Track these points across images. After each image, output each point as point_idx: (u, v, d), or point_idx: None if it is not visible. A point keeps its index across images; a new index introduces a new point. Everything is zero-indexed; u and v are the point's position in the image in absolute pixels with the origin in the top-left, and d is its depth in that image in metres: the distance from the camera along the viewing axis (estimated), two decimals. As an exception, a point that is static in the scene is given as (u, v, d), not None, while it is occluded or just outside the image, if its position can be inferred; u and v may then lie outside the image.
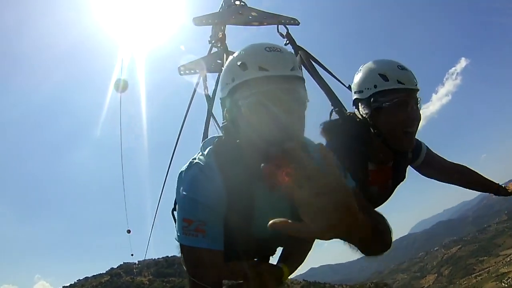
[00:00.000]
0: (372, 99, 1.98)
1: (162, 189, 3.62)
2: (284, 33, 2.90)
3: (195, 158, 1.50)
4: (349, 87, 2.31)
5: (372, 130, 2.03)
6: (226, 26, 2.99)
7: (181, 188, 1.44)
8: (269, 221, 1.38)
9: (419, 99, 1.97)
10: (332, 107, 2.37)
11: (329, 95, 2.45)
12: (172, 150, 3.39)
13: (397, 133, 1.96)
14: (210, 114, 2.74)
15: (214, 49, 3.08)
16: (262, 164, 0.94)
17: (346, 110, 2.31)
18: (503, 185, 2.62)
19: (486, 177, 2.64)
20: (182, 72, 2.97)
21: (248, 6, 3.03)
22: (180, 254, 1.49)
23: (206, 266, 1.39)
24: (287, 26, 2.93)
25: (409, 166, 2.38)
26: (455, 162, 2.62)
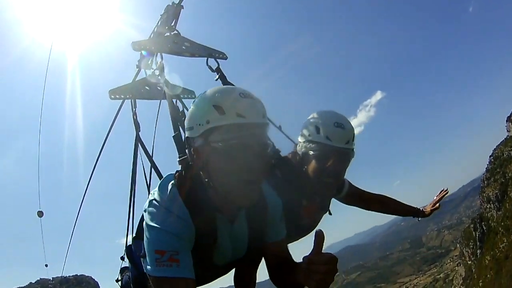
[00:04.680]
0: (304, 145, 2.22)
1: (80, 206, 3.51)
2: (214, 67, 2.85)
3: (159, 196, 1.53)
4: (280, 128, 2.54)
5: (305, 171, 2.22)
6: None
7: (150, 222, 1.46)
8: (228, 251, 1.66)
9: (349, 155, 2.20)
10: None
11: None
12: (92, 169, 3.32)
13: (315, 179, 2.19)
14: (138, 139, 2.78)
15: (141, 74, 3.04)
16: None
17: (280, 151, 2.40)
18: (421, 208, 2.98)
19: (404, 203, 2.98)
20: (112, 97, 2.88)
21: (182, 35, 2.99)
22: (152, 286, 1.48)
23: None
24: (217, 60, 2.89)
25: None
26: (374, 193, 2.94)
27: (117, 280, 2.67)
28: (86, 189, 3.31)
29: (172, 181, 1.57)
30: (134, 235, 1.92)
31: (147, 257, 1.46)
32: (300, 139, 2.29)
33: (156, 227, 1.44)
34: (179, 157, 1.63)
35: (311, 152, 2.17)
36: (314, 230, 1.37)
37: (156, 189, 1.58)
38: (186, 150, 1.59)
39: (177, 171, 1.64)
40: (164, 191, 1.53)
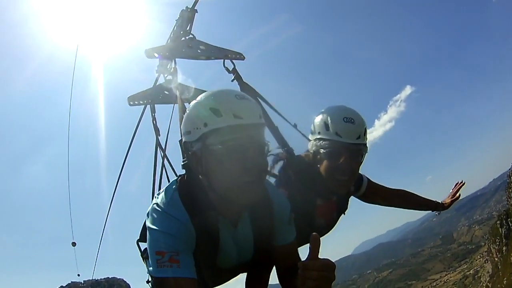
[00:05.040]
0: (315, 142, 2.15)
1: (108, 211, 3.58)
2: (231, 68, 2.85)
3: (160, 200, 1.56)
4: (295, 126, 2.49)
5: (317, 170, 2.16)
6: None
7: (151, 225, 1.51)
8: (233, 254, 1.65)
9: (361, 151, 2.11)
10: (280, 147, 2.40)
11: (275, 134, 2.44)
12: (119, 173, 3.38)
13: (328, 177, 2.11)
14: (158, 144, 2.81)
15: (161, 80, 3.07)
16: None
17: (293, 150, 2.39)
18: (440, 201, 2.90)
19: (424, 197, 2.89)
20: (131, 103, 2.93)
21: (197, 39, 3.01)
22: None
23: None
24: (233, 61, 2.90)
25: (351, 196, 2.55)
26: (394, 188, 2.85)
27: (147, 281, 2.71)
28: (114, 194, 3.36)
29: (174, 186, 1.60)
30: (138, 237, 1.94)
31: (149, 259, 1.51)
32: (311, 137, 2.24)
33: (155, 229, 1.49)
34: (183, 161, 1.65)
35: (321, 150, 2.10)
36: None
37: (160, 193, 1.62)
38: (185, 155, 1.62)
39: (180, 176, 1.67)
40: (166, 195, 1.57)
